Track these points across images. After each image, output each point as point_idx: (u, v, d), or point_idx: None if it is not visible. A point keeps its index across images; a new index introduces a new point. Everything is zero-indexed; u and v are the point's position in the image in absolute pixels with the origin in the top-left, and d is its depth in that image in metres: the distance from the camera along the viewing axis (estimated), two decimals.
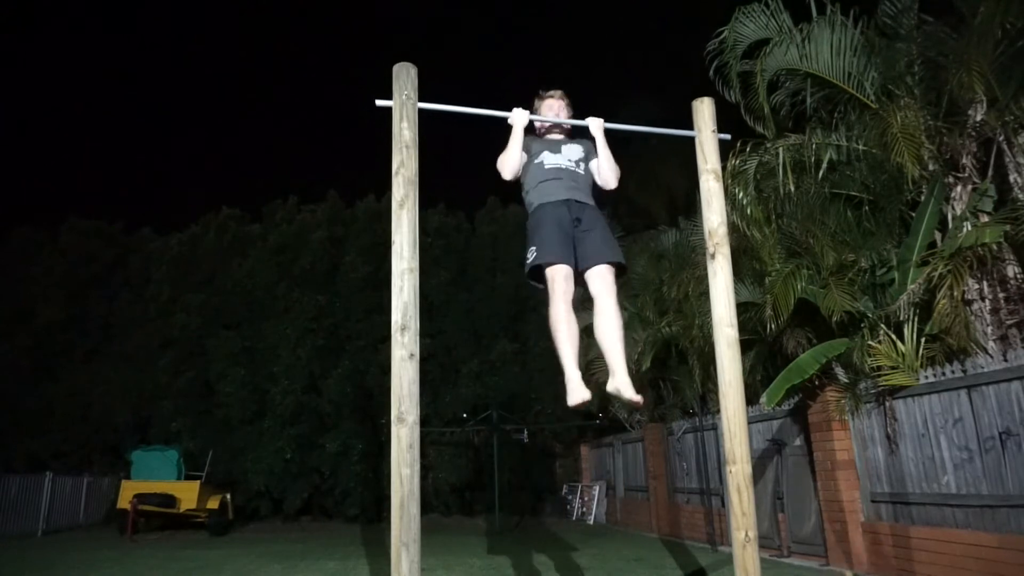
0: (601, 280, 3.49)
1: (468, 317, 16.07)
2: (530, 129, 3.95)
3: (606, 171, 3.89)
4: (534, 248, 3.51)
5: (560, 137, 3.93)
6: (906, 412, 6.39)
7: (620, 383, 3.32)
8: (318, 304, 15.42)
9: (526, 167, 3.82)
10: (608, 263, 3.52)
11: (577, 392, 3.30)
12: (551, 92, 4.00)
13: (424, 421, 12.26)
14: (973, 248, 5.98)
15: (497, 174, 3.84)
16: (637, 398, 3.29)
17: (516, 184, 3.93)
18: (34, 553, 9.76)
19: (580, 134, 4.01)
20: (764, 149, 7.69)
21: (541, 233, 3.53)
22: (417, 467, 3.12)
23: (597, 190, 3.94)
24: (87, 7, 48.96)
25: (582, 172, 3.81)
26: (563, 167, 3.77)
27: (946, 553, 5.71)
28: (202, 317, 15.68)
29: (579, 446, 16.25)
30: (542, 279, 3.50)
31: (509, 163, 3.80)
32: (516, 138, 3.84)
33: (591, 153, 3.90)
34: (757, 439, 8.60)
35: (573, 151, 3.86)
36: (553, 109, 3.93)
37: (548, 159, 3.79)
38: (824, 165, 7.51)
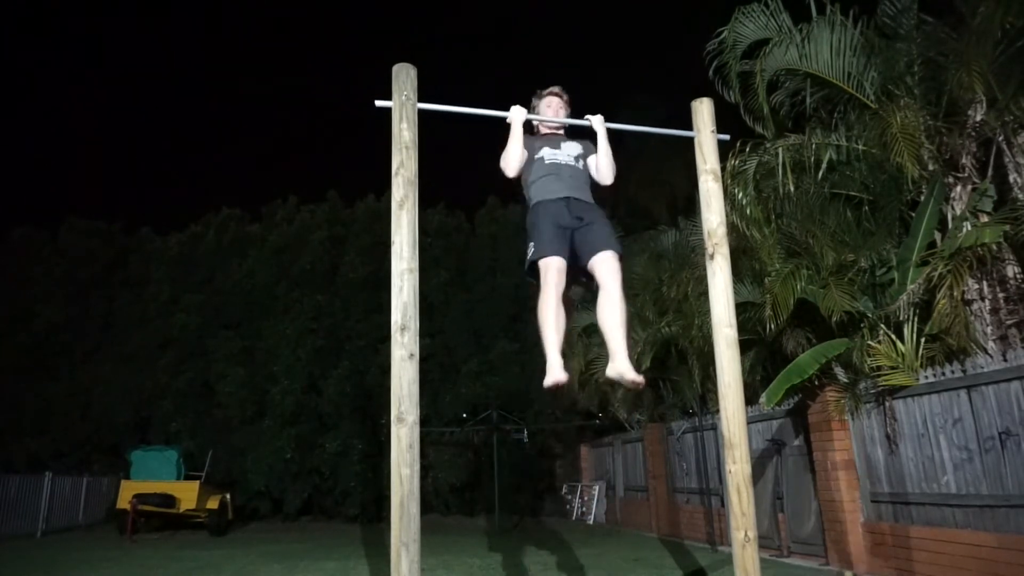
0: (606, 266, 3.53)
1: (468, 317, 16.07)
2: (529, 129, 3.96)
3: (604, 167, 3.91)
4: (532, 244, 3.58)
5: (560, 134, 3.97)
6: (906, 412, 6.39)
7: (621, 367, 3.35)
8: (318, 304, 15.42)
9: (527, 163, 3.86)
10: (611, 250, 3.57)
11: (554, 373, 3.36)
12: (549, 89, 4.03)
13: (424, 421, 12.25)
14: (973, 248, 5.98)
15: (498, 173, 3.86)
16: (638, 379, 3.32)
17: (517, 182, 3.95)
18: (34, 553, 9.76)
19: (577, 132, 4.04)
20: (764, 149, 7.68)
21: (538, 229, 3.59)
22: (417, 467, 3.12)
23: (594, 186, 3.97)
24: (87, 7, 48.96)
25: (581, 168, 3.87)
26: (563, 163, 3.82)
27: (946, 553, 5.71)
28: (202, 317, 15.69)
29: (579, 446, 16.24)
30: (537, 275, 3.56)
31: (511, 160, 3.83)
32: (516, 135, 3.85)
33: (589, 150, 3.95)
34: (757, 439, 8.60)
35: (572, 148, 3.91)
36: (552, 106, 3.97)
37: (548, 154, 3.83)
38: (824, 165, 7.51)
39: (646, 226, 13.82)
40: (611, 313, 3.45)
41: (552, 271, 3.46)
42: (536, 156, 3.84)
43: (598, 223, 3.66)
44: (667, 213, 15.32)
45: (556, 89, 4.02)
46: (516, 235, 16.40)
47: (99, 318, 16.76)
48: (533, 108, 4.01)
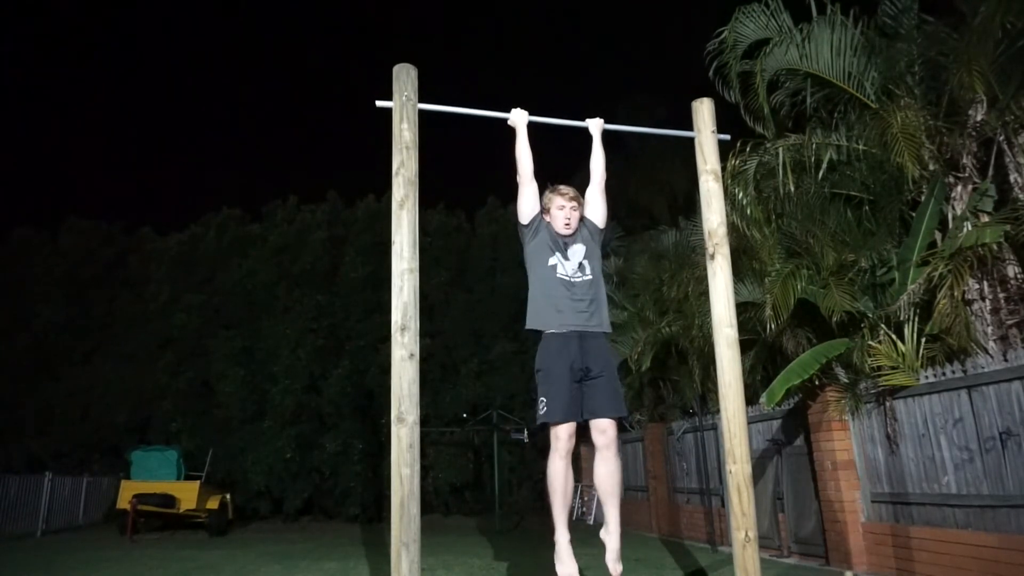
0: (603, 435, 3.60)
1: (468, 317, 16.06)
2: (542, 192, 3.90)
3: (595, 175, 3.94)
4: (544, 402, 3.56)
5: (569, 233, 3.83)
6: (906, 412, 6.38)
7: (609, 544, 3.56)
8: (318, 304, 15.42)
9: (535, 256, 3.80)
10: (610, 417, 3.60)
11: (566, 565, 3.49)
12: (565, 190, 3.88)
13: (424, 421, 12.25)
14: (973, 248, 5.97)
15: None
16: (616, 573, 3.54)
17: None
18: (34, 553, 9.75)
19: (585, 228, 3.88)
20: (764, 149, 7.68)
21: (551, 387, 3.56)
22: (417, 467, 3.12)
23: (593, 228, 3.91)
24: (87, 7, 48.95)
25: (590, 277, 3.76)
26: (575, 281, 3.72)
27: (946, 553, 5.70)
28: (202, 317, 15.68)
29: (579, 446, 16.23)
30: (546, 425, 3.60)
31: (522, 163, 3.82)
32: (521, 137, 3.83)
33: (593, 246, 3.86)
34: (757, 439, 8.59)
35: (578, 252, 3.80)
36: (564, 211, 3.82)
37: (560, 266, 3.74)
38: (824, 165, 7.50)
39: (646, 226, 13.83)
40: (606, 479, 3.59)
41: (564, 438, 3.52)
42: (548, 262, 3.75)
43: (604, 379, 3.61)
44: (667, 213, 15.32)
45: (571, 192, 3.87)
46: (516, 235, 16.35)
47: (99, 318, 16.76)
48: (546, 204, 3.88)
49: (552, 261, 3.76)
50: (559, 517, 3.55)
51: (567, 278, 3.72)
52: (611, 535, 3.59)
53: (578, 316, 3.66)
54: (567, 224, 3.81)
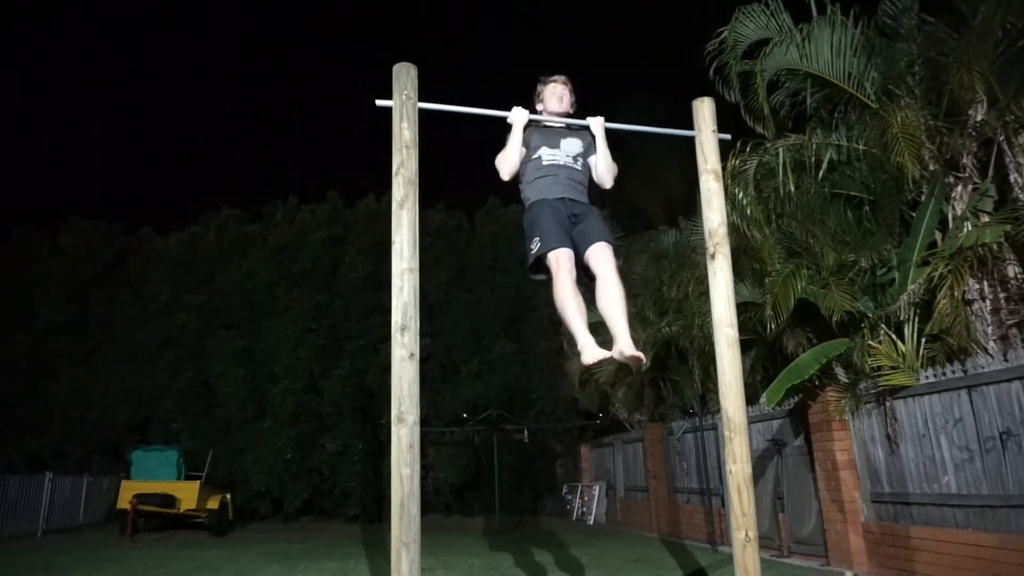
0: (600, 256, 3.60)
1: (468, 317, 16.06)
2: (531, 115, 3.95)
3: (603, 171, 3.92)
4: (536, 239, 3.58)
5: (560, 127, 3.92)
6: (906, 412, 6.38)
7: (623, 345, 3.40)
8: (318, 304, 15.42)
9: (523, 160, 3.85)
10: (604, 240, 3.63)
11: (592, 351, 3.36)
12: (554, 77, 4.00)
13: (424, 421, 12.24)
14: (973, 248, 5.97)
15: (496, 172, 3.85)
16: (638, 354, 3.36)
17: (514, 181, 3.94)
18: (34, 553, 9.75)
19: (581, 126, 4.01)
20: (764, 149, 7.68)
21: (541, 225, 3.61)
22: (417, 467, 3.12)
23: (593, 185, 3.96)
24: (87, 6, 48.97)
25: (579, 168, 3.85)
26: (561, 163, 3.80)
27: (946, 553, 5.70)
28: (202, 317, 15.68)
29: (579, 446, 16.24)
30: (543, 271, 3.60)
31: (507, 162, 3.82)
32: (515, 137, 3.84)
33: (590, 148, 3.92)
34: (757, 439, 8.59)
35: (572, 145, 3.86)
36: (556, 94, 3.93)
37: (546, 154, 3.81)
38: (824, 165, 7.50)
39: (646, 226, 13.82)
40: (610, 299, 3.51)
41: (564, 260, 3.51)
42: (534, 155, 3.82)
43: (590, 216, 3.71)
44: (667, 213, 15.32)
45: (561, 78, 3.99)
46: (516, 235, 16.32)
47: (99, 318, 16.75)
48: (538, 94, 3.99)
49: (539, 153, 3.81)
50: (577, 325, 3.44)
51: (555, 162, 3.78)
52: (622, 336, 3.43)
53: (565, 190, 3.72)
54: (559, 100, 3.89)
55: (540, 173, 3.78)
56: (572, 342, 3.54)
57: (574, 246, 3.61)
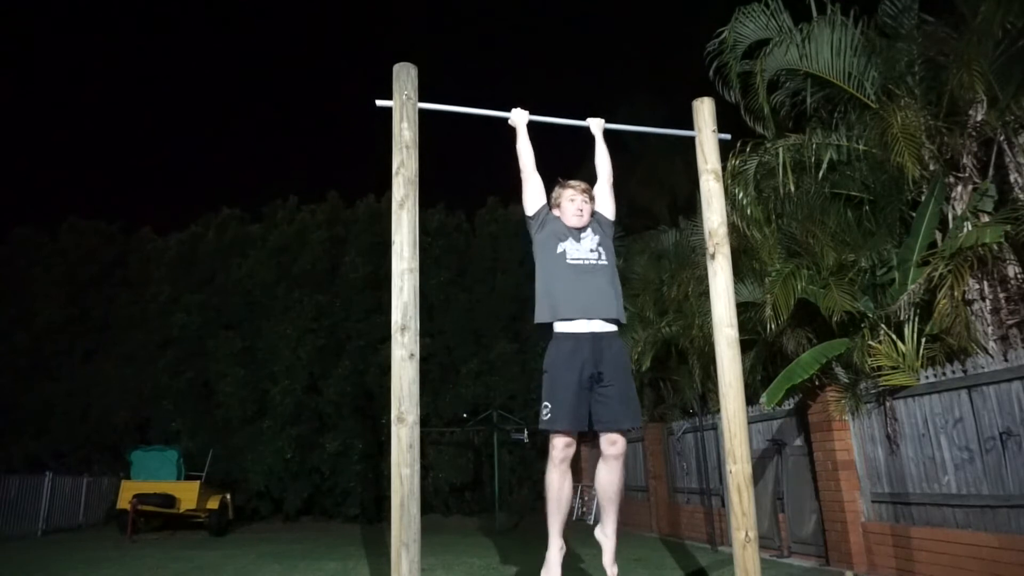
0: (613, 446, 3.50)
1: (468, 317, 16.06)
2: (550, 191, 3.85)
3: (601, 174, 3.92)
4: (548, 407, 3.42)
5: (581, 225, 3.70)
6: (906, 412, 6.38)
7: (606, 547, 3.59)
8: (318, 304, 15.42)
9: (543, 247, 3.68)
10: (618, 431, 3.50)
11: (552, 566, 3.52)
12: (574, 184, 3.80)
13: (424, 421, 12.26)
14: (973, 248, 5.97)
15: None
16: (613, 572, 3.56)
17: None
18: (34, 553, 9.75)
19: (595, 220, 3.80)
20: (764, 149, 7.68)
21: (557, 393, 3.41)
22: (417, 467, 3.12)
23: (603, 221, 3.84)
24: (87, 6, 48.97)
25: (605, 263, 3.64)
26: (588, 263, 3.58)
27: (946, 553, 5.70)
28: (202, 317, 15.67)
29: (579, 446, 16.23)
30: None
31: (524, 158, 3.78)
32: (522, 136, 3.82)
33: (605, 237, 3.76)
34: (757, 439, 8.59)
35: (591, 240, 3.69)
36: (575, 205, 3.71)
37: (572, 251, 3.61)
38: (824, 165, 7.51)
39: (646, 226, 13.83)
40: (608, 488, 3.56)
41: (562, 447, 3.43)
42: (557, 249, 3.60)
43: (618, 387, 3.45)
44: (667, 213, 15.33)
45: (582, 185, 3.77)
46: (516, 235, 16.39)
47: (99, 318, 16.75)
48: (555, 197, 3.80)
49: (561, 248, 3.59)
50: (553, 527, 3.51)
51: (578, 262, 3.56)
52: (608, 538, 3.59)
53: (591, 303, 3.48)
54: (579, 214, 3.67)
55: (565, 275, 3.54)
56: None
57: (590, 409, 3.46)
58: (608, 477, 3.54)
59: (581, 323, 3.47)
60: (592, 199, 3.78)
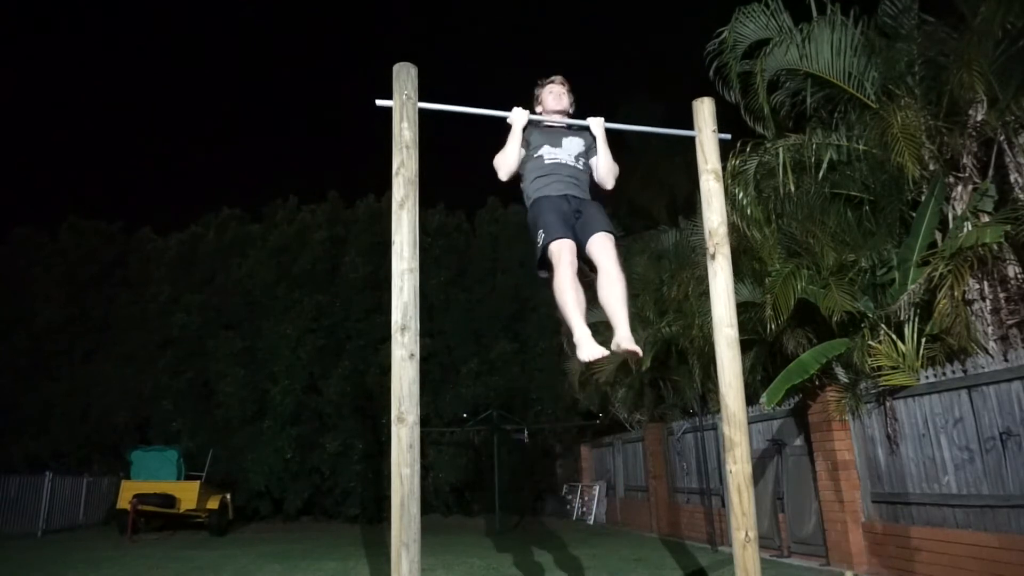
0: (601, 247, 3.58)
1: (468, 317, 16.06)
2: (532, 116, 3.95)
3: (604, 172, 3.92)
4: (541, 231, 3.58)
5: (562, 127, 3.93)
6: (906, 412, 6.38)
7: (622, 337, 3.39)
8: (318, 304, 15.42)
9: (525, 159, 3.85)
10: (605, 231, 3.62)
11: (588, 347, 3.31)
12: (552, 78, 4.02)
13: (424, 421, 12.24)
14: (974, 248, 5.97)
15: (495, 171, 3.85)
16: (636, 348, 3.36)
17: (513, 181, 3.94)
18: (34, 553, 9.75)
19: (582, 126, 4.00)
20: (764, 149, 7.68)
21: (544, 218, 3.61)
22: (417, 467, 3.12)
23: (594, 185, 3.96)
24: (87, 6, 48.96)
25: (581, 168, 3.85)
26: (563, 162, 3.80)
27: (946, 553, 5.70)
28: (202, 317, 15.68)
29: (579, 446, 16.23)
30: (548, 267, 3.58)
31: (506, 163, 3.82)
32: (515, 138, 3.84)
33: (591, 149, 3.92)
34: (757, 439, 8.59)
35: (573, 144, 3.86)
36: (554, 94, 3.94)
37: (548, 153, 3.81)
38: (824, 165, 7.50)
39: (646, 226, 13.83)
40: (611, 290, 3.50)
41: (565, 251, 3.49)
42: (536, 154, 3.81)
43: (591, 209, 3.73)
44: (667, 213, 15.33)
45: (559, 79, 4.01)
46: (516, 235, 16.40)
47: (99, 318, 16.75)
48: (536, 96, 4.00)
49: (540, 152, 3.80)
50: (574, 318, 3.40)
51: (557, 160, 3.77)
52: (622, 328, 3.44)
53: (567, 188, 3.72)
54: (558, 98, 3.90)
55: (542, 172, 3.78)
56: (571, 339, 3.53)
57: (576, 239, 3.60)
58: (611, 280, 3.51)
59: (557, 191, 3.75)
60: (569, 92, 4.00)
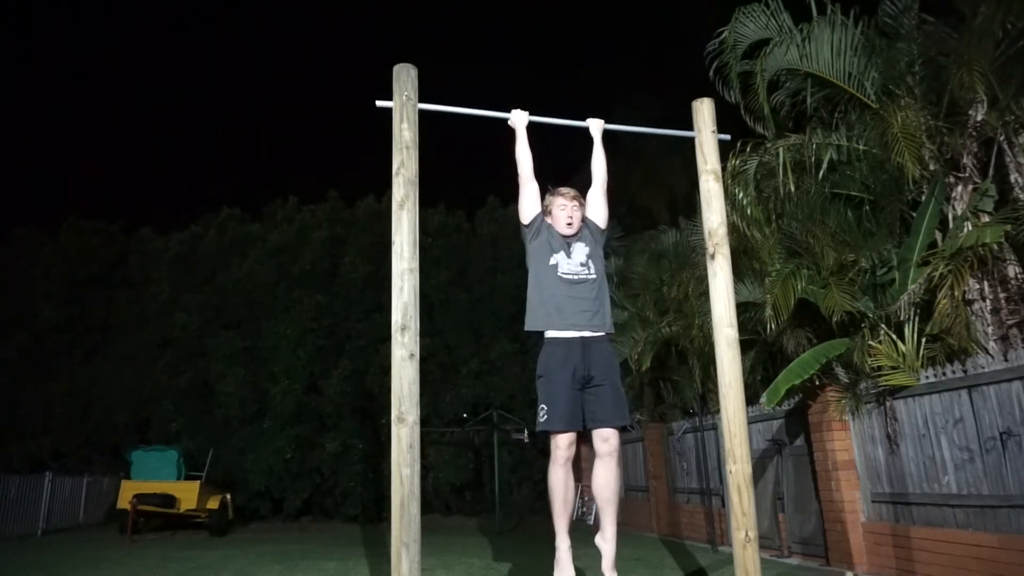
0: (606, 443, 3.57)
1: (468, 317, 16.06)
2: (543, 197, 3.89)
3: (597, 177, 3.91)
4: (544, 409, 3.53)
5: (571, 233, 3.79)
6: (907, 412, 6.38)
7: (605, 552, 3.54)
8: (318, 304, 15.42)
9: (536, 257, 3.75)
10: (613, 427, 3.57)
11: (565, 572, 3.48)
12: (562, 190, 3.87)
13: (424, 421, 12.25)
14: (974, 248, 5.97)
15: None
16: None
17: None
18: (34, 553, 9.75)
19: (586, 228, 3.86)
20: (764, 149, 7.67)
21: (552, 395, 3.53)
22: (417, 467, 3.12)
23: (596, 229, 3.88)
24: (87, 6, 48.96)
25: (594, 276, 3.71)
26: (578, 278, 3.67)
27: (946, 553, 5.70)
28: (202, 317, 15.68)
29: (579, 447, 16.24)
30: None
31: (526, 204, 3.79)
32: (521, 140, 3.82)
33: (595, 246, 3.82)
34: (757, 439, 8.59)
35: (581, 252, 3.75)
36: (566, 212, 3.79)
37: (563, 264, 3.69)
38: (824, 165, 7.50)
39: (646, 226, 13.83)
40: (604, 486, 3.57)
41: (564, 447, 3.50)
42: (550, 261, 3.70)
43: (608, 387, 3.58)
44: (667, 213, 15.33)
45: (572, 192, 3.85)
46: (516, 235, 16.35)
47: (99, 318, 16.76)
48: (547, 205, 3.86)
49: (553, 260, 3.70)
50: (560, 524, 3.53)
51: (569, 276, 3.66)
52: (607, 542, 3.57)
53: (580, 316, 3.61)
54: (569, 223, 3.77)
55: (556, 288, 3.65)
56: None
57: (583, 411, 3.54)
58: (604, 476, 3.57)
59: (571, 332, 3.62)
60: (583, 205, 3.87)
